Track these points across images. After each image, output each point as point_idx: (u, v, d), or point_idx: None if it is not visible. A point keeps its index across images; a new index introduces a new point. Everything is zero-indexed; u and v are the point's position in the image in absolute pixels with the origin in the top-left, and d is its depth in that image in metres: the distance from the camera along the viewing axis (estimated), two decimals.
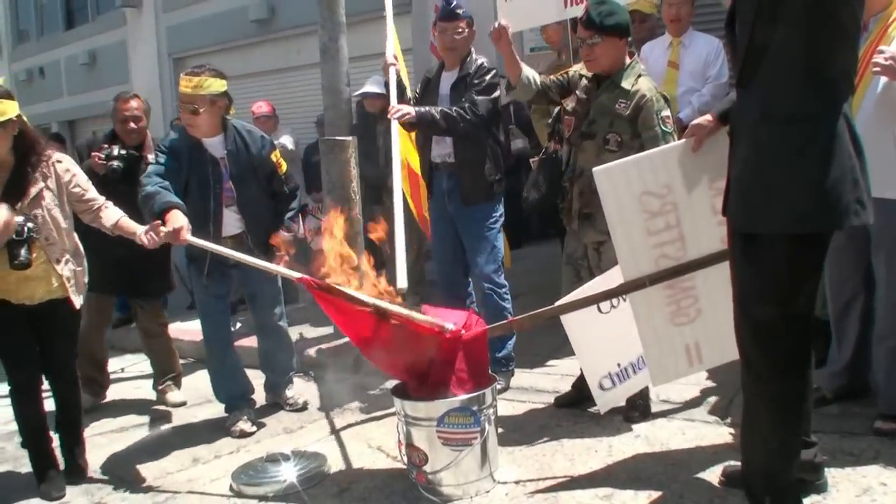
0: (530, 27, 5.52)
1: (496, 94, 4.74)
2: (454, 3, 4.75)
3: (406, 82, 5.02)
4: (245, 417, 4.61)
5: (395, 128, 4.48)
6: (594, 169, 3.38)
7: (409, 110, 4.51)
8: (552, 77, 4.27)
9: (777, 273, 2.65)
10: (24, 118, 3.80)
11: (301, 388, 5.20)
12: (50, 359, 3.96)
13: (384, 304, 3.48)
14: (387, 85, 4.81)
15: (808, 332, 2.76)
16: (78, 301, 3.98)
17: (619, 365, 3.76)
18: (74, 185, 3.90)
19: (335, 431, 4.51)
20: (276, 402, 5.01)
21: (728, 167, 2.84)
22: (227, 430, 4.59)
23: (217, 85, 4.38)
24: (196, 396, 5.51)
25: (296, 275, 3.71)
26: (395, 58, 4.82)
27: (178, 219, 3.91)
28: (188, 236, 3.92)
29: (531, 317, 3.72)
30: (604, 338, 3.67)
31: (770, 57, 2.61)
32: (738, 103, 2.80)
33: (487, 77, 4.68)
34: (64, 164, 3.89)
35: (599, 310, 3.64)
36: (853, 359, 3.82)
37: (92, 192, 3.99)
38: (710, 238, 3.26)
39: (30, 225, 3.67)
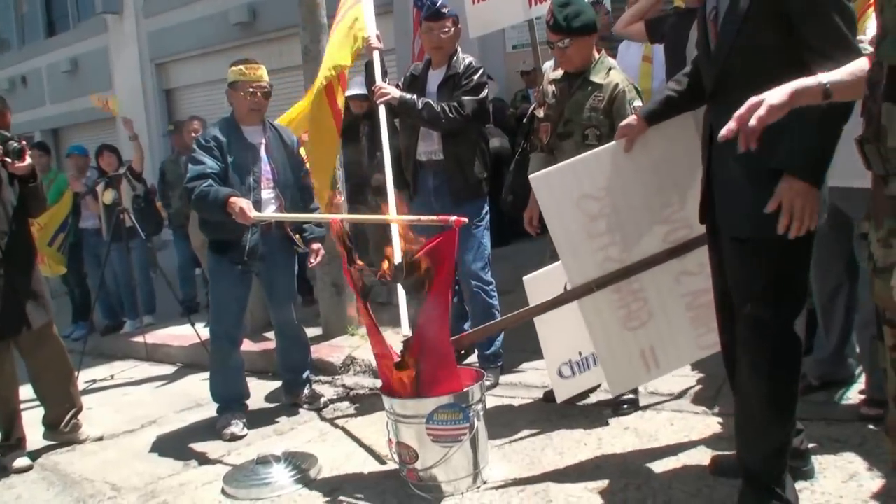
0: (496, 29, 5.56)
1: (484, 93, 4.76)
2: (439, 2, 4.76)
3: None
4: (236, 420, 4.62)
5: (384, 118, 4.54)
6: (531, 176, 3.44)
7: (394, 93, 4.59)
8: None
9: (772, 271, 2.68)
10: None
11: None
12: None
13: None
14: (369, 66, 4.84)
15: (801, 321, 2.79)
16: None
17: (580, 353, 3.81)
18: None
19: (326, 432, 4.51)
20: (295, 403, 5.03)
21: (703, 175, 2.87)
22: (217, 434, 4.59)
23: (267, 75, 4.79)
24: (187, 401, 5.52)
25: (333, 217, 4.27)
26: (379, 38, 4.84)
27: (239, 201, 4.24)
28: (253, 213, 4.25)
29: (504, 321, 3.83)
30: (567, 323, 3.68)
31: (755, 64, 2.63)
32: (715, 112, 2.80)
33: (476, 77, 4.70)
34: None
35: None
36: (839, 346, 3.85)
37: None
38: (652, 238, 3.31)
39: None
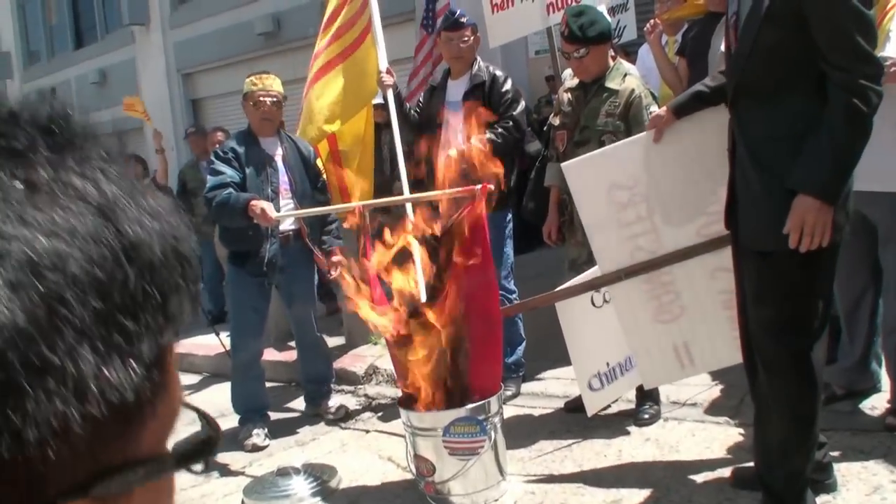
0: (516, 38, 5.54)
1: (522, 104, 4.77)
2: (458, 12, 4.80)
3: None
4: (257, 431, 4.64)
5: (396, 131, 4.51)
6: (562, 165, 3.44)
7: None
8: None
9: (791, 286, 2.66)
10: None
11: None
12: None
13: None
14: (385, 102, 4.79)
15: (824, 329, 2.76)
16: None
17: (607, 364, 3.75)
18: None
19: (347, 443, 4.52)
20: (317, 413, 5.03)
21: (730, 181, 2.85)
22: (239, 445, 4.61)
23: (280, 86, 4.78)
24: (210, 411, 5.33)
25: (354, 205, 4.15)
26: (390, 72, 4.78)
27: (260, 203, 4.28)
28: (274, 213, 4.28)
29: (519, 305, 3.94)
30: (595, 334, 3.67)
31: (773, 71, 2.60)
32: (737, 119, 2.78)
33: (509, 90, 4.68)
34: None
35: (593, 303, 3.66)
36: (863, 354, 3.79)
37: None
38: (686, 230, 3.26)
39: None
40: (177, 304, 0.54)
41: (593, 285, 3.50)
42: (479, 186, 3.50)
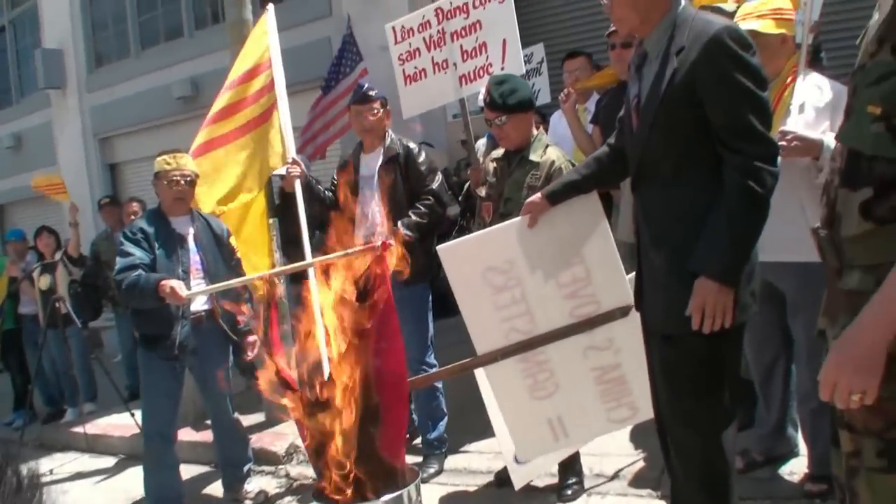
0: (428, 109, 5.52)
1: (440, 175, 4.78)
2: (366, 85, 4.80)
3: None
4: None
5: (303, 223, 4.42)
6: (437, 248, 3.44)
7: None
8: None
9: (700, 366, 2.65)
10: None
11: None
12: None
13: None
14: (289, 196, 4.65)
15: (734, 412, 2.75)
16: None
17: None
18: None
19: None
20: (236, 499, 4.84)
21: (637, 263, 2.86)
22: None
23: (193, 164, 4.70)
24: (124, 499, 5.33)
25: (262, 275, 3.97)
26: (296, 163, 4.70)
27: (170, 282, 4.13)
28: (184, 291, 4.11)
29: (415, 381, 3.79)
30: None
31: (673, 152, 2.62)
32: (639, 201, 2.80)
33: (423, 158, 4.69)
34: None
35: None
36: (779, 420, 3.83)
37: None
38: (559, 312, 3.29)
39: None
40: None
41: (467, 367, 3.48)
42: (379, 244, 3.43)
